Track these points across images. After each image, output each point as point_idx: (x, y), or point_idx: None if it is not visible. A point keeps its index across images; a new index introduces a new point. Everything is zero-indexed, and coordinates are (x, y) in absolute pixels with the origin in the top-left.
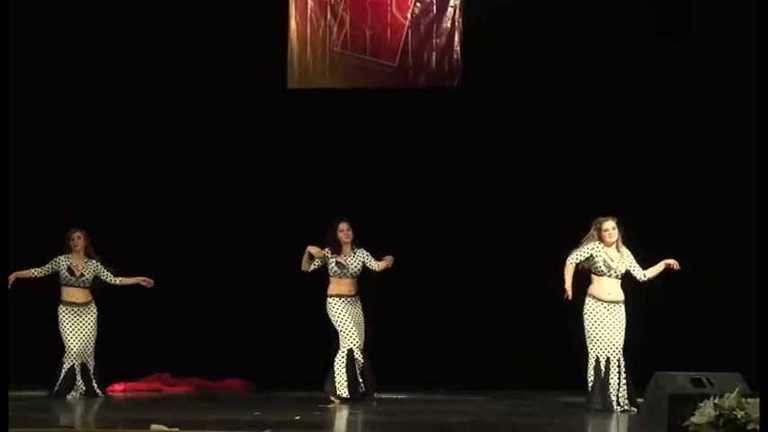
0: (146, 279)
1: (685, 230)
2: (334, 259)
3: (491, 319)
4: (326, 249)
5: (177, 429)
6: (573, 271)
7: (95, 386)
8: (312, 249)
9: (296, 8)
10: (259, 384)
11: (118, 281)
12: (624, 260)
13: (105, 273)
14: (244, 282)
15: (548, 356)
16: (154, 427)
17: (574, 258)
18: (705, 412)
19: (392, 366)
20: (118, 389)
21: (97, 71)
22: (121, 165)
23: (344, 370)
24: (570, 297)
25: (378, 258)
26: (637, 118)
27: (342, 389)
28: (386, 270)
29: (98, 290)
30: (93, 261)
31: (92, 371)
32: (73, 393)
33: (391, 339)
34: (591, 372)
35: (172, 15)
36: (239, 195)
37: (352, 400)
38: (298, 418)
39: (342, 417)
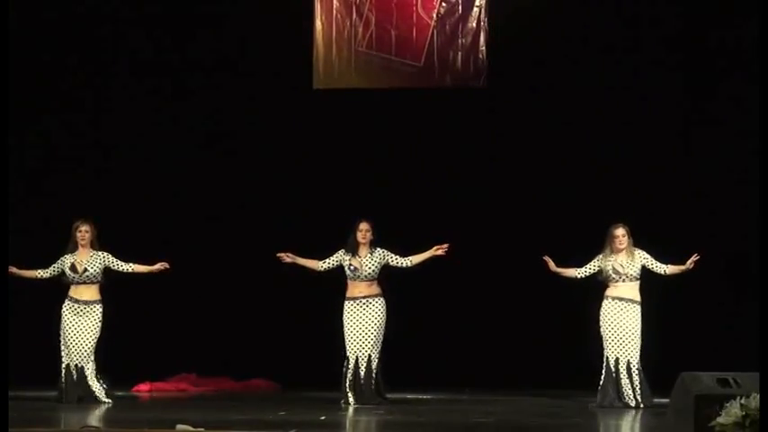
0: (162, 265)
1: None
2: (348, 261)
3: (516, 320)
4: (341, 251)
5: (203, 429)
6: (569, 274)
7: (98, 391)
8: (301, 261)
9: (321, 8)
10: (285, 384)
11: (131, 268)
12: (636, 262)
13: (116, 262)
14: (271, 282)
15: (574, 357)
16: (179, 427)
17: (581, 272)
18: (731, 412)
19: (418, 367)
20: (144, 389)
21: (116, 65)
22: (141, 165)
23: (346, 378)
24: (550, 264)
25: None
26: (661, 118)
27: (347, 396)
28: (426, 261)
29: (124, 290)
30: (101, 253)
31: (92, 374)
32: (101, 400)
33: (416, 339)
34: (603, 371)
35: (196, 14)
36: (264, 195)
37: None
38: (323, 418)
39: (366, 417)
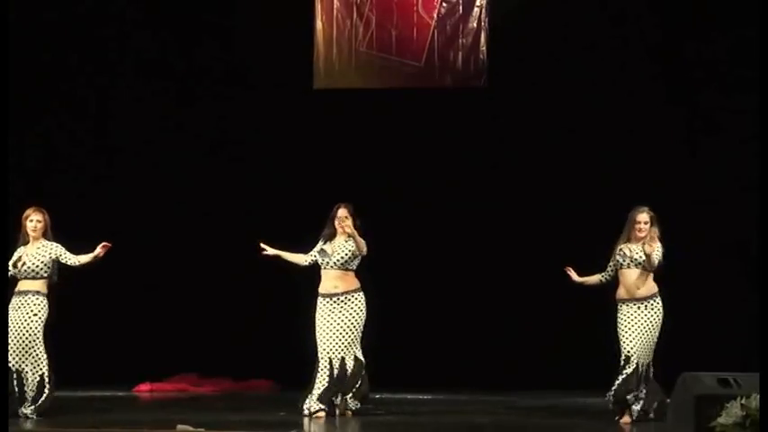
0: (103, 246)
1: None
2: (320, 247)
3: (515, 321)
4: (320, 242)
5: (203, 429)
6: (594, 282)
7: (27, 404)
8: (285, 255)
9: (322, 8)
10: (284, 385)
11: (78, 261)
12: (646, 250)
13: (65, 254)
14: (269, 283)
15: (575, 357)
16: (180, 427)
17: (605, 276)
18: (732, 413)
19: (417, 367)
20: (144, 389)
21: (118, 67)
22: (142, 167)
23: (316, 384)
24: (572, 274)
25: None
26: (663, 118)
27: (309, 401)
28: (362, 244)
29: (125, 291)
30: (51, 244)
31: (32, 380)
32: (27, 407)
33: (415, 340)
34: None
35: (197, 16)
36: (264, 195)
37: (326, 412)
38: (323, 416)
39: (365, 418)
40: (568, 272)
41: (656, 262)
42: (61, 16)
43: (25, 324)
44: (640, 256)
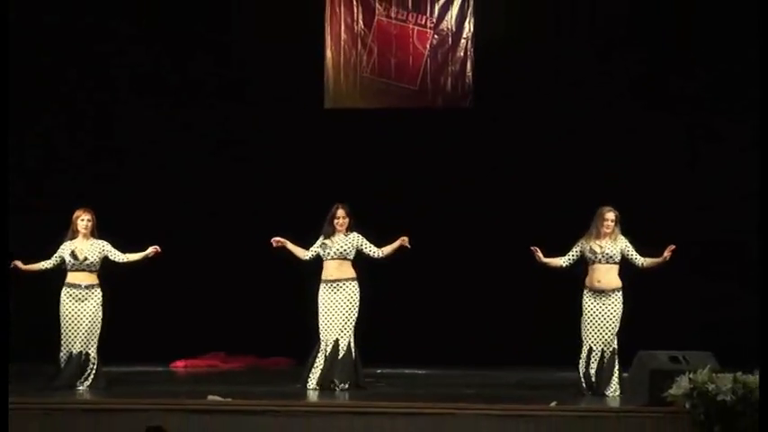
0: (153, 248)
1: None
2: (321, 241)
3: (503, 306)
4: (321, 238)
5: (230, 399)
6: (556, 264)
7: (86, 377)
8: (290, 247)
9: (331, 39)
10: (301, 361)
11: (126, 258)
12: (616, 246)
13: (113, 252)
14: (289, 273)
15: (553, 337)
16: (210, 397)
17: (565, 261)
18: (681, 385)
19: (414, 345)
20: (180, 365)
21: (119, 68)
22: (143, 166)
23: (314, 361)
24: (538, 254)
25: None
26: (644, 135)
27: (311, 380)
28: (395, 252)
29: (164, 278)
30: (100, 242)
31: (93, 361)
32: (81, 383)
33: (414, 322)
34: (581, 360)
35: (227, 41)
36: (280, 196)
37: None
38: (335, 389)
39: (366, 390)
40: (535, 252)
41: (648, 262)
42: (63, 17)
43: (95, 313)
44: (611, 252)
